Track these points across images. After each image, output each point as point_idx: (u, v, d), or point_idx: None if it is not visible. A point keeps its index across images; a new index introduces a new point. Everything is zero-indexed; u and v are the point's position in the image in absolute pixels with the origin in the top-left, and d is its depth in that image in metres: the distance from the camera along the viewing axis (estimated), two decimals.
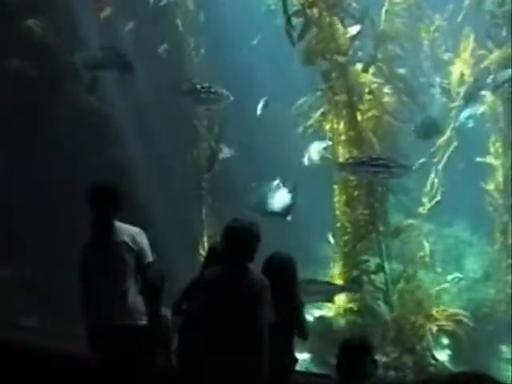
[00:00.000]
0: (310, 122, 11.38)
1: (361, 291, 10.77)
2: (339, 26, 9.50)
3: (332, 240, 11.65)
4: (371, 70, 10.29)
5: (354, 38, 9.62)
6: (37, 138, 11.68)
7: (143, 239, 6.63)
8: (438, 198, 11.08)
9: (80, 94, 11.92)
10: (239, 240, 5.87)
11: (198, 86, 10.92)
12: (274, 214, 11.45)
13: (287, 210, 11.40)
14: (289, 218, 11.48)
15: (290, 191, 11.46)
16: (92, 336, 6.49)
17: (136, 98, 11.95)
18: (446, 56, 12.08)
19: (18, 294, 11.32)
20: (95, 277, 6.51)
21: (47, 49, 11.87)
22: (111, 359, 6.37)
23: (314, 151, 12.34)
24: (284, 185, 11.53)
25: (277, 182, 11.50)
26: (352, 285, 10.75)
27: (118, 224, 6.63)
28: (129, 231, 6.61)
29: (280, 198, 11.39)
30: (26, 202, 11.22)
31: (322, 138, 11.71)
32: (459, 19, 11.66)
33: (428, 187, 11.09)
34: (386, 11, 10.44)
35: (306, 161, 13.00)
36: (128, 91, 11.75)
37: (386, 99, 10.58)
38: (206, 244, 12.10)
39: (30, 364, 7.90)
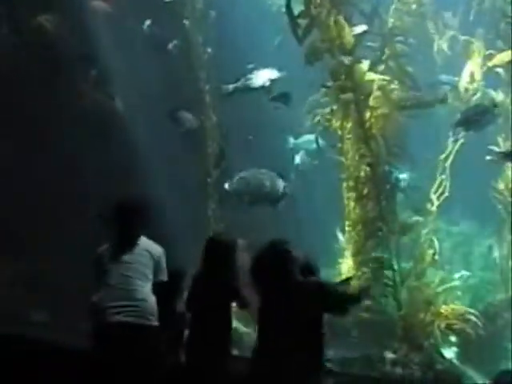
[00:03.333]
0: (317, 118, 11.46)
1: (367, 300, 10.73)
2: (345, 25, 9.49)
3: (341, 236, 11.69)
4: (380, 67, 10.32)
5: (359, 36, 9.63)
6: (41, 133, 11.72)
7: (163, 259, 6.80)
8: (446, 194, 11.06)
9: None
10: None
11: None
12: (262, 199, 11.54)
13: (278, 198, 11.46)
14: (279, 207, 11.54)
15: (282, 179, 11.54)
16: (97, 331, 6.53)
17: (143, 94, 11.98)
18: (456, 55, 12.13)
19: (26, 288, 11.37)
20: (110, 267, 6.64)
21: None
22: (113, 356, 6.39)
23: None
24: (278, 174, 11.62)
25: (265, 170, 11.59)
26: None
27: (143, 239, 6.84)
28: (152, 246, 6.81)
29: (271, 184, 11.45)
30: (33, 195, 11.27)
31: (331, 136, 11.77)
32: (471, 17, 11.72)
33: (436, 184, 11.06)
34: (395, 9, 10.50)
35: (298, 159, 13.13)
36: (135, 87, 11.81)
37: (395, 96, 10.58)
38: None
39: (41, 358, 7.94)
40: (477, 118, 10.77)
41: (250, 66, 11.49)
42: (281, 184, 11.40)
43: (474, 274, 13.31)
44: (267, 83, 11.27)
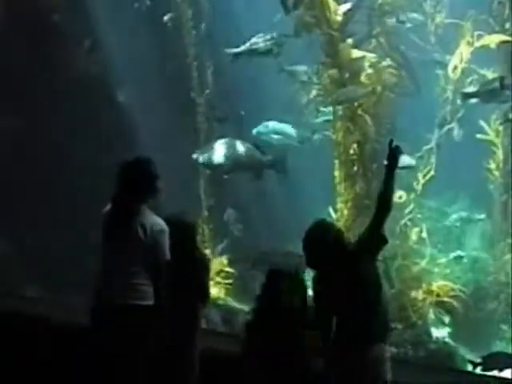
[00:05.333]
0: (313, 94, 11.49)
1: None
2: (331, 2, 9.53)
3: (333, 214, 11.75)
4: (369, 44, 10.36)
5: (348, 13, 9.65)
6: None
7: (163, 236, 6.13)
8: (432, 173, 11.12)
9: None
10: None
11: None
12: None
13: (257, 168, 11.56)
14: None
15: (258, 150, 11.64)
16: (94, 313, 6.26)
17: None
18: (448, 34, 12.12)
19: (20, 265, 11.50)
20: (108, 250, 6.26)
21: None
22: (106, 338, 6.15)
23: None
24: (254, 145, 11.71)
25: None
26: None
27: (145, 209, 6.18)
28: (152, 220, 6.14)
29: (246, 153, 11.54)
30: (23, 169, 11.36)
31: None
32: None
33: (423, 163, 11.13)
34: None
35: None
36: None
37: (386, 74, 10.62)
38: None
39: (34, 334, 7.93)
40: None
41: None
42: (257, 154, 11.49)
43: (467, 254, 13.35)
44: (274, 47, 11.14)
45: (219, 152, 11.51)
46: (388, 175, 5.50)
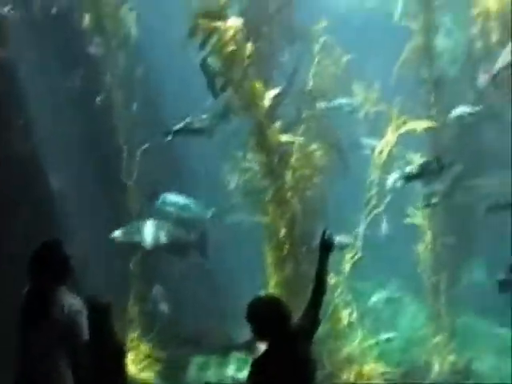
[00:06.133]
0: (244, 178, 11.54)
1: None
2: (261, 87, 9.63)
3: None
4: (299, 128, 10.49)
5: (275, 98, 9.77)
6: None
7: (80, 317, 5.99)
8: (360, 255, 11.21)
9: None
10: None
11: None
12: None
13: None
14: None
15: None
16: None
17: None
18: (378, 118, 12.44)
19: None
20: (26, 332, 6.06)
21: None
22: None
23: None
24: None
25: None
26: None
27: (61, 290, 6.05)
28: (69, 301, 6.00)
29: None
30: None
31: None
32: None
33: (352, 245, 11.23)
34: (314, 71, 10.73)
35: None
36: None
37: (316, 157, 10.74)
38: None
39: None
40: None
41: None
42: (182, 233, 11.45)
43: (398, 335, 13.37)
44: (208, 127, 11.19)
45: (144, 231, 11.41)
46: (321, 263, 5.68)
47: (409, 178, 11.06)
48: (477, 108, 11.42)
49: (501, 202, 11.31)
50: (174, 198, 12.42)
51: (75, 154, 11.82)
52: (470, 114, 11.44)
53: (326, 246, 5.69)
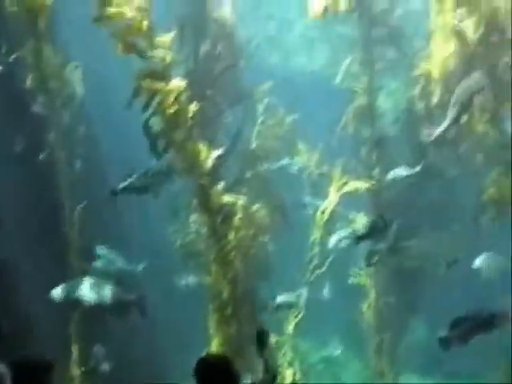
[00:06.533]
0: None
1: None
2: (204, 148, 9.70)
3: None
4: (242, 188, 10.56)
5: (219, 159, 9.84)
6: None
7: (4, 381, 5.82)
8: (303, 314, 11.23)
9: None
10: None
11: None
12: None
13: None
14: None
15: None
16: None
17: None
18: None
19: None
20: None
21: None
22: None
23: None
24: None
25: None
26: None
27: None
28: None
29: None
30: None
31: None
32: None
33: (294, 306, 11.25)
34: (258, 131, 10.86)
35: None
36: None
37: (259, 217, 10.79)
38: None
39: None
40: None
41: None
42: (121, 293, 11.31)
43: None
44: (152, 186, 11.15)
45: (83, 289, 11.22)
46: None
47: (359, 238, 11.21)
48: (415, 169, 11.62)
49: (459, 257, 11.51)
50: (106, 253, 12.31)
51: (17, 210, 11.68)
52: (407, 177, 11.67)
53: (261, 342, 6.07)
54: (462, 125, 10.95)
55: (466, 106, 10.40)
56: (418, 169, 11.51)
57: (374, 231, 11.00)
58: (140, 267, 12.40)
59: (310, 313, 11.54)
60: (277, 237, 11.38)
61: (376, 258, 11.66)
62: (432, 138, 10.79)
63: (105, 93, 12.95)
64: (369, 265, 11.86)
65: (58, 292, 11.24)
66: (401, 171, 11.65)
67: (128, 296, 11.46)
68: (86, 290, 11.12)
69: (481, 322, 9.84)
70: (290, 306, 11.50)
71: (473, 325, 9.82)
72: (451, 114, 10.48)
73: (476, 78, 10.42)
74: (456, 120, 10.49)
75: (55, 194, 11.85)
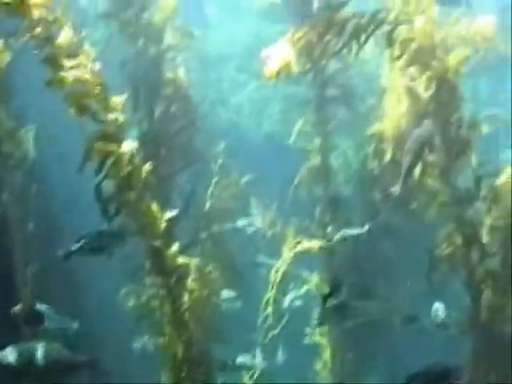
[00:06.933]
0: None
1: None
2: (157, 209, 9.69)
3: None
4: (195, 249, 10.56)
5: (172, 221, 9.85)
6: None
7: None
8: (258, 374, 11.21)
9: None
10: None
11: None
12: None
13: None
14: None
15: None
16: None
17: None
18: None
19: None
20: None
21: None
22: None
23: None
24: None
25: None
26: None
27: None
28: None
29: None
30: None
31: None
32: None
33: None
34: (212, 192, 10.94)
35: None
36: None
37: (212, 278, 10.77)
38: None
39: None
40: None
41: None
42: (68, 353, 11.12)
43: None
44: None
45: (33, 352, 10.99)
46: None
47: (325, 297, 11.22)
48: (364, 228, 11.75)
49: (412, 314, 11.57)
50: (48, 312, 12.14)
51: None
52: (358, 235, 11.80)
53: None
54: (414, 181, 11.11)
55: (418, 154, 10.50)
56: (366, 228, 11.65)
57: (337, 290, 11.06)
58: (75, 325, 12.20)
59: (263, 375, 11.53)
60: (232, 297, 11.38)
61: (327, 317, 11.69)
62: (397, 192, 10.86)
63: (59, 156, 12.98)
64: (320, 324, 11.88)
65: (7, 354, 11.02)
66: (350, 231, 11.79)
67: (78, 358, 11.25)
68: (37, 353, 10.91)
69: (434, 377, 9.85)
70: (248, 367, 11.46)
71: (426, 381, 9.83)
72: (405, 163, 10.58)
73: (426, 125, 10.56)
74: (410, 169, 10.56)
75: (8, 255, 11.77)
